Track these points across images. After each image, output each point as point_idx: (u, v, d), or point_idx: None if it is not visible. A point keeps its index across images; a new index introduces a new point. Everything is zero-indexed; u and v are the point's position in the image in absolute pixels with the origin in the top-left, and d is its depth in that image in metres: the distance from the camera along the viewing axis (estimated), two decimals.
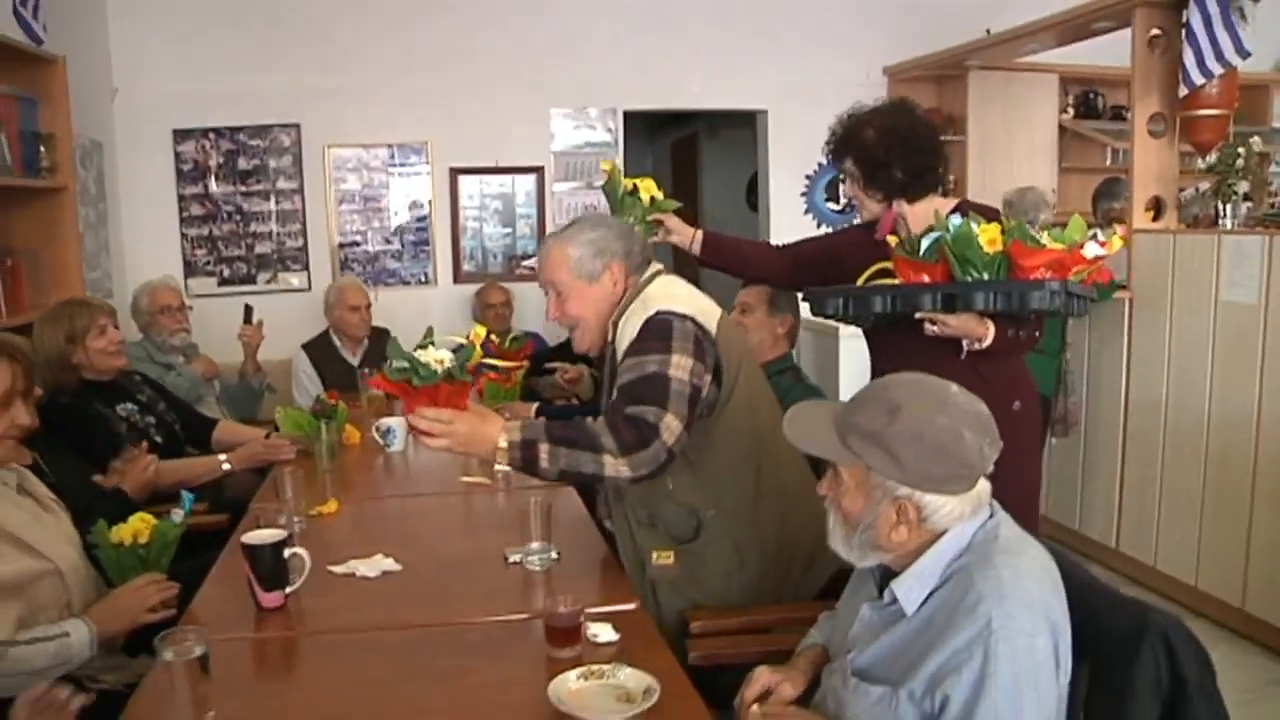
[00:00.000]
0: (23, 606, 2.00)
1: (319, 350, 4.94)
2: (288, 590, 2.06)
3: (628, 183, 3.05)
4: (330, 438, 3.19)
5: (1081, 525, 4.75)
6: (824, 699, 1.73)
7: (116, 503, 2.62)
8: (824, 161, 6.31)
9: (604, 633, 1.89)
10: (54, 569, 2.09)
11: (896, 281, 2.57)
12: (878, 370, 2.79)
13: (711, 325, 2.28)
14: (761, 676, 1.81)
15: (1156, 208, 4.36)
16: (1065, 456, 4.80)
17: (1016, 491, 2.52)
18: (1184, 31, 4.14)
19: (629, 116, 6.24)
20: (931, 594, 1.58)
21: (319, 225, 5.80)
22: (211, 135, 5.65)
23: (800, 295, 2.86)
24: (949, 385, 1.64)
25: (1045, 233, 2.40)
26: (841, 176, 2.87)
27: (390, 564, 2.29)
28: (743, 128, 6.77)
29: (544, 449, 2.06)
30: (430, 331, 2.23)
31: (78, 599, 2.14)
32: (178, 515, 2.32)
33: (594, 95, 6.06)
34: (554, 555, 2.29)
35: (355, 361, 4.90)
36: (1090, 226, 2.49)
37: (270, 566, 2.03)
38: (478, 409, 2.17)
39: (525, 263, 6.06)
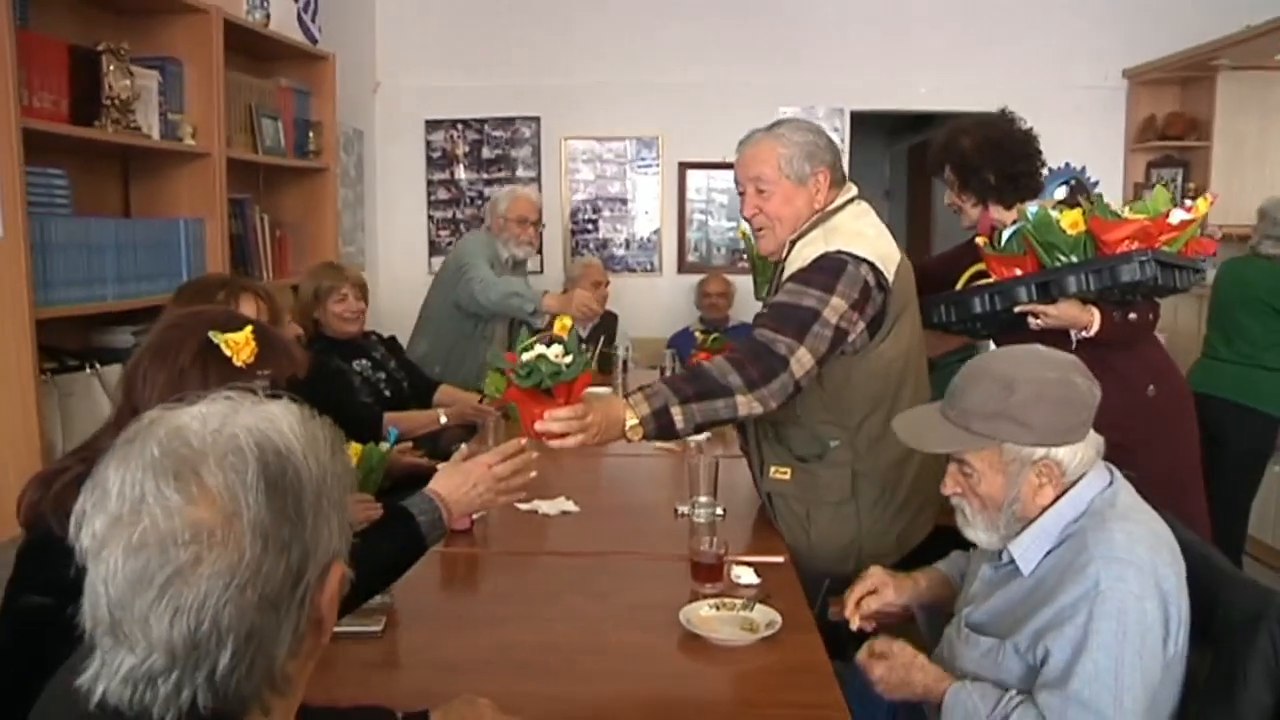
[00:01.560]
0: None
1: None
2: (474, 515, 2.33)
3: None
4: None
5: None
6: (942, 649, 1.83)
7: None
8: (1053, 166, 6.19)
9: (746, 575, 2.06)
10: None
11: (990, 280, 2.65)
12: None
13: (890, 271, 2.26)
14: (874, 575, 1.92)
15: None
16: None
17: (1161, 478, 2.40)
18: None
19: (858, 117, 6.31)
20: (1047, 555, 1.65)
21: (554, 212, 6.17)
22: (459, 126, 6.12)
23: None
24: (1036, 345, 1.74)
25: (1126, 207, 2.44)
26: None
27: (570, 505, 2.54)
28: None
29: (676, 413, 2.07)
30: (525, 330, 2.26)
31: None
32: (384, 446, 2.63)
33: (821, 94, 6.15)
34: (719, 511, 2.45)
35: (584, 334, 5.24)
36: None
37: None
38: (595, 394, 2.15)
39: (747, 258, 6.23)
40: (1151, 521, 1.65)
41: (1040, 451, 1.63)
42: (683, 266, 6.32)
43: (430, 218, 6.20)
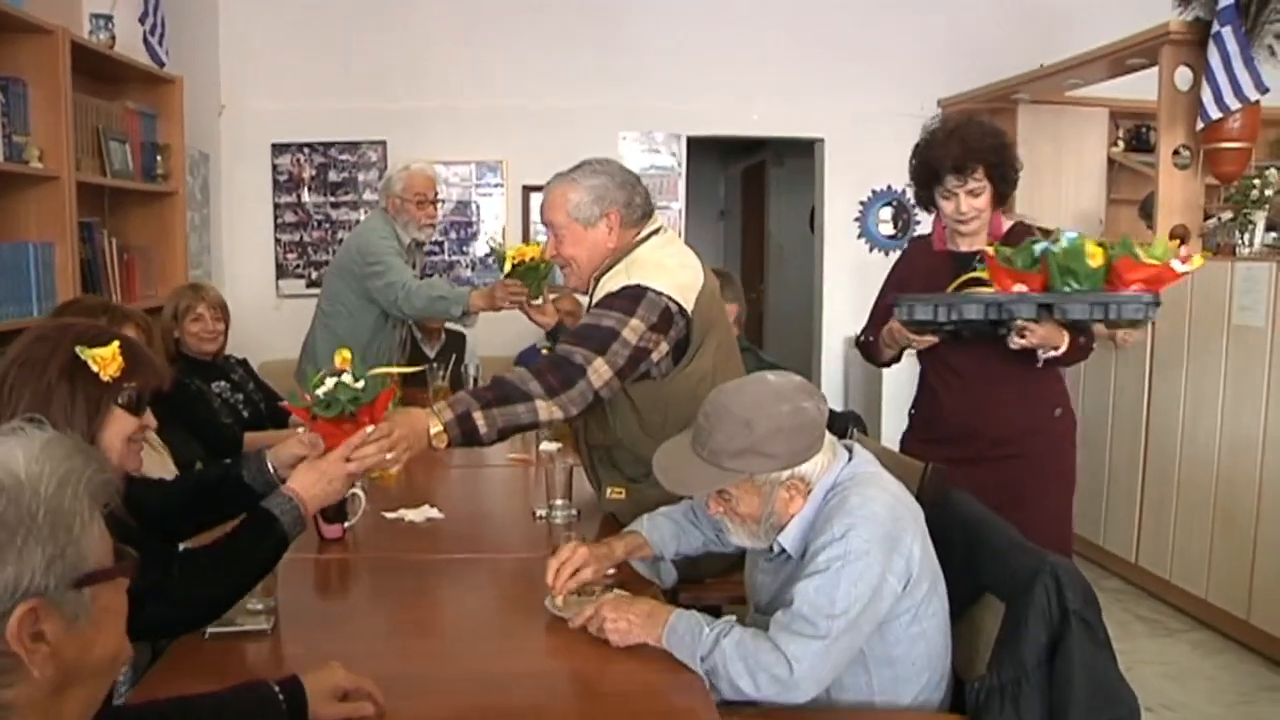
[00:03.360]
0: None
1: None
2: (346, 524, 2.46)
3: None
4: None
5: (1105, 540, 4.95)
6: None
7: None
8: (876, 189, 6.64)
9: None
10: None
11: (990, 290, 2.69)
12: (931, 378, 3.01)
13: (689, 300, 2.41)
14: (573, 554, 2.02)
15: (1181, 237, 4.59)
16: (1090, 473, 5.00)
17: (1058, 494, 2.93)
18: (1205, 68, 4.38)
19: (694, 142, 6.62)
20: (808, 535, 1.89)
21: None
22: (306, 150, 6.18)
23: (894, 304, 2.86)
24: (764, 375, 1.94)
25: (1140, 249, 2.58)
26: (945, 194, 2.86)
27: (434, 513, 2.68)
28: (807, 157, 7.09)
29: (479, 417, 2.17)
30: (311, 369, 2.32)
31: None
32: None
33: (660, 120, 6.45)
34: (574, 513, 2.64)
35: (431, 354, 5.33)
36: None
37: (333, 503, 2.41)
38: (400, 413, 2.18)
39: None
40: (886, 483, 1.92)
41: (786, 473, 1.87)
42: None
43: (278, 240, 6.21)
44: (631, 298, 2.35)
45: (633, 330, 2.33)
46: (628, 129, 6.43)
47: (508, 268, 3.67)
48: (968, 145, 2.80)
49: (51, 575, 0.92)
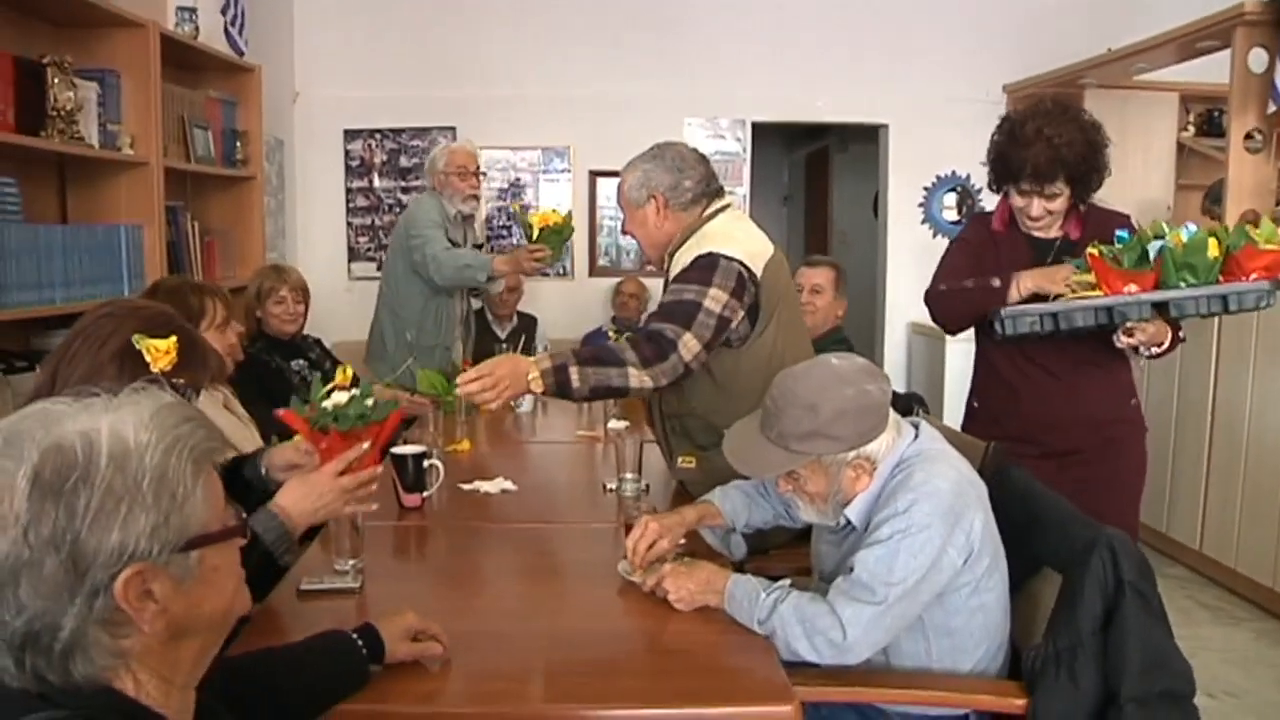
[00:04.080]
0: None
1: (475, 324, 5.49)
2: (425, 494, 2.57)
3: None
4: None
5: (1169, 528, 4.92)
6: None
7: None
8: (941, 174, 6.63)
9: None
10: None
11: (1096, 293, 2.55)
12: (1008, 372, 2.85)
13: (759, 267, 2.53)
14: (647, 527, 2.06)
15: (1253, 222, 4.54)
16: (1155, 460, 4.97)
17: (1130, 479, 2.87)
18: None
19: (759, 128, 6.66)
20: (874, 508, 1.95)
21: None
22: (377, 135, 6.31)
23: (992, 319, 2.70)
24: (828, 359, 2.00)
25: (1255, 233, 2.49)
26: (1020, 192, 2.73)
27: (509, 485, 2.78)
28: (870, 142, 7.09)
29: (574, 371, 2.33)
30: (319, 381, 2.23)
31: None
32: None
33: (725, 107, 6.50)
34: (644, 486, 2.72)
35: (503, 336, 5.46)
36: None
37: (412, 473, 2.53)
38: (504, 357, 2.43)
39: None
40: (951, 459, 1.97)
41: (852, 454, 1.93)
42: (594, 270, 6.60)
43: (349, 224, 6.37)
44: (706, 267, 2.47)
45: (714, 300, 2.44)
46: (692, 115, 6.48)
47: (535, 235, 4.03)
48: (1055, 152, 2.64)
49: (155, 541, 0.97)
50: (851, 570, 1.86)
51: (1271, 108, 4.35)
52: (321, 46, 6.20)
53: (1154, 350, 2.62)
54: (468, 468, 3.01)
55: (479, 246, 4.62)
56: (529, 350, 4.69)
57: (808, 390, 1.93)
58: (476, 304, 5.31)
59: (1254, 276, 2.47)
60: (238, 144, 4.56)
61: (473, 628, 1.82)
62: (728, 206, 2.71)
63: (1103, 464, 2.79)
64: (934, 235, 6.64)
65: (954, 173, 6.59)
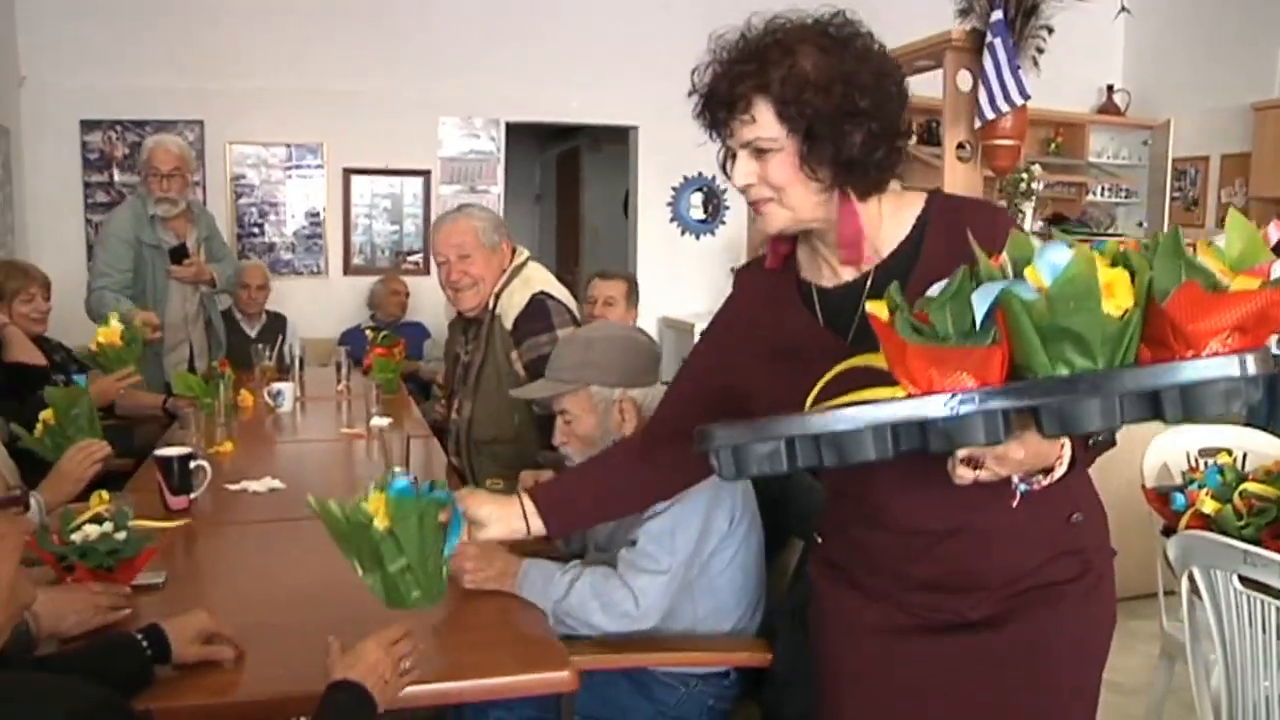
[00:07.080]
0: None
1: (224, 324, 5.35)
2: (192, 495, 2.57)
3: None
4: (225, 395, 3.65)
5: None
6: None
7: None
8: (688, 175, 6.98)
9: None
10: None
11: (894, 392, 1.22)
12: (842, 501, 1.62)
13: (572, 303, 3.01)
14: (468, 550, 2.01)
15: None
16: None
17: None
18: (981, 74, 4.87)
19: (512, 128, 6.80)
20: None
21: (219, 217, 6.17)
22: (118, 128, 6.04)
23: (703, 445, 1.32)
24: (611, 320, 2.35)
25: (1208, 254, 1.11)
26: (731, 152, 1.52)
27: (277, 483, 2.81)
28: (621, 143, 7.35)
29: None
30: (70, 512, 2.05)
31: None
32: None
33: (479, 106, 6.60)
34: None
35: (253, 334, 5.36)
36: None
37: (178, 475, 2.52)
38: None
39: (410, 258, 6.60)
40: None
41: (619, 391, 2.14)
42: (348, 269, 6.57)
43: (89, 221, 6.06)
44: (543, 315, 2.90)
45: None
46: (447, 114, 6.55)
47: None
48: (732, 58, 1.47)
49: None
50: (634, 542, 2.03)
51: (978, 123, 4.87)
52: (50, 26, 5.86)
53: (1036, 482, 1.35)
54: (233, 469, 3.01)
55: (180, 249, 4.38)
56: (283, 349, 4.68)
57: (586, 331, 2.28)
58: (224, 304, 5.20)
59: (1211, 347, 1.10)
60: None
61: (260, 620, 1.88)
62: (530, 257, 3.15)
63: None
64: (682, 233, 6.98)
65: (700, 174, 6.94)
